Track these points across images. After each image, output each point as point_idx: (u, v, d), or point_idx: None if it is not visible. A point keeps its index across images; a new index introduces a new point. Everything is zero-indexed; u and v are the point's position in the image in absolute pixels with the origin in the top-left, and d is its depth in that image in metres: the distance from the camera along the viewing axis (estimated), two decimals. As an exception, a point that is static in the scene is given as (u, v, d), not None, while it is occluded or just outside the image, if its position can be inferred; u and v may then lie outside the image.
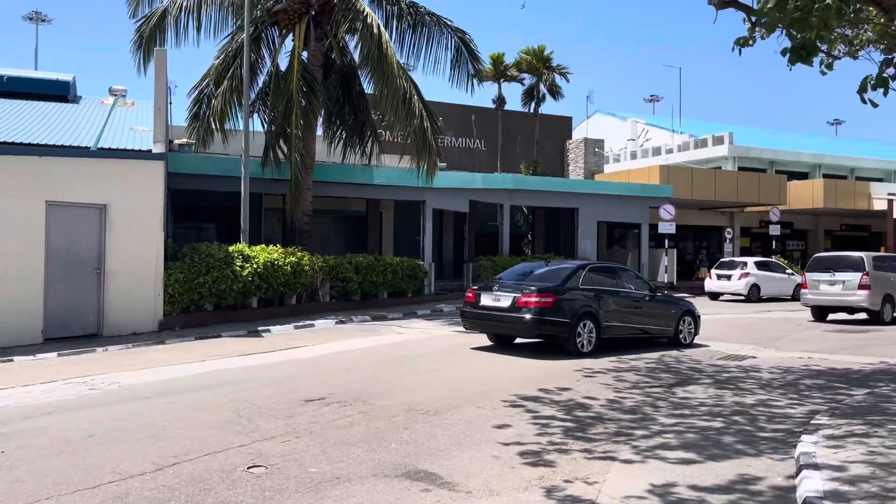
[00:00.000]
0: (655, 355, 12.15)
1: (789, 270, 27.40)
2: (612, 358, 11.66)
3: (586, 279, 12.49)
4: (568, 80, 33.30)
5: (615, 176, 32.19)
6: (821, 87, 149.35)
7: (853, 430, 6.52)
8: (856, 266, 18.28)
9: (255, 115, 20.50)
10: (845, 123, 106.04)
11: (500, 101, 32.22)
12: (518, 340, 13.04)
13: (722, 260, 27.78)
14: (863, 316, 18.76)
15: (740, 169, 36.03)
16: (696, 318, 13.97)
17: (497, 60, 31.54)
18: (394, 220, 26.34)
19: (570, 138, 35.33)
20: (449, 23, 19.23)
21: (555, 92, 32.12)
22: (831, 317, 19.19)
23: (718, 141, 38.62)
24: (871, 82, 7.11)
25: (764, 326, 17.54)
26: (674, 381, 9.86)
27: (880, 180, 39.82)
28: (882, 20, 8.58)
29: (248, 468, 5.71)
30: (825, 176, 38.80)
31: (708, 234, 36.79)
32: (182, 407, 7.91)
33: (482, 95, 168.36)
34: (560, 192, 26.32)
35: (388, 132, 28.71)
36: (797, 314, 20.64)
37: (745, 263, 26.01)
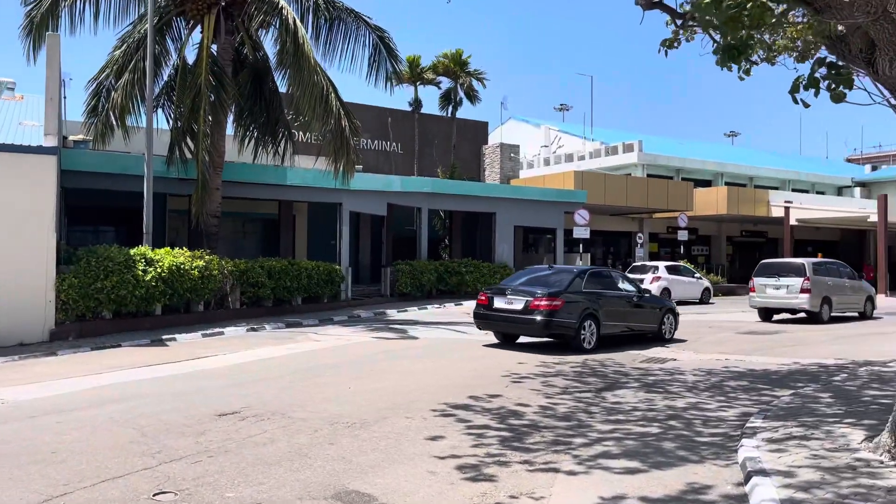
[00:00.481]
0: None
1: (697, 274, 28.27)
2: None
3: (587, 283, 13.68)
4: (485, 85, 33.36)
5: (531, 181, 32.40)
6: (718, 100, 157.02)
7: (790, 432, 6.45)
8: (798, 271, 19.67)
9: (160, 111, 19.33)
10: (741, 135, 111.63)
11: (417, 104, 31.88)
12: (468, 335, 12.65)
13: (634, 264, 28.34)
14: (802, 315, 20.14)
15: (649, 176, 37.03)
16: (675, 316, 15.29)
17: (413, 63, 31.19)
18: (308, 223, 25.51)
19: (487, 143, 35.37)
20: (367, 20, 18.69)
21: (472, 96, 32.06)
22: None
23: (628, 148, 39.62)
24: (803, 82, 7.10)
25: (679, 330, 17.82)
26: (602, 386, 9.70)
27: (776, 188, 41.86)
28: (807, 22, 8.68)
29: (153, 495, 5.03)
30: (727, 184, 40.42)
31: (617, 240, 37.65)
32: (76, 425, 7.05)
33: (399, 98, 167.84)
34: (478, 197, 26.18)
35: (302, 133, 27.90)
36: (707, 317, 21.23)
37: (656, 268, 26.61)
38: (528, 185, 30.01)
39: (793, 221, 35.36)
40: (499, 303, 13.31)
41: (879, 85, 6.62)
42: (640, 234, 32.76)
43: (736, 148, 54.59)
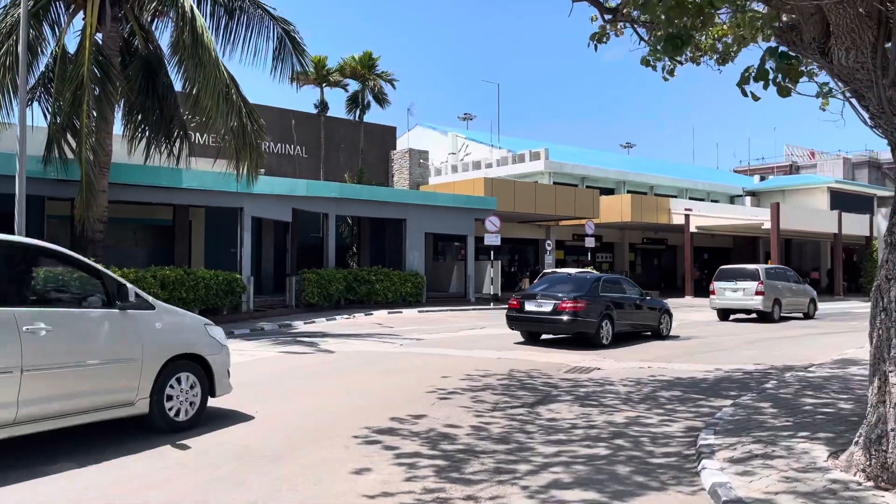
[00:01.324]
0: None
1: (606, 281, 28.41)
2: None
3: (603, 288, 15.62)
4: (395, 87, 32.57)
5: (441, 188, 31.83)
6: (613, 112, 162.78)
7: (750, 449, 5.96)
8: (753, 276, 21.90)
9: (36, 104, 17.42)
10: (636, 146, 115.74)
11: (323, 106, 30.67)
12: (384, 347, 11.70)
13: (545, 272, 28.20)
14: (756, 315, 22.40)
15: (555, 184, 37.28)
16: (670, 316, 17.56)
17: (319, 64, 29.98)
18: (206, 229, 23.90)
19: (395, 148, 34.55)
20: (272, 11, 17.49)
21: (381, 99, 31.15)
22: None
23: (535, 156, 39.82)
24: (752, 74, 6.69)
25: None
26: (534, 400, 9.05)
27: (675, 196, 43.17)
28: (737, 18, 8.36)
29: None
30: (629, 192, 41.34)
31: (525, 247, 37.70)
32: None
33: (303, 100, 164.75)
34: (388, 203, 25.30)
35: (200, 135, 26.24)
36: (619, 323, 21.23)
37: (568, 275, 26.51)
38: (439, 192, 29.40)
39: (693, 229, 36.45)
40: (529, 306, 15.22)
41: (834, 77, 6.27)
42: (548, 242, 32.80)
43: (636, 158, 56.18)
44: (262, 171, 22.12)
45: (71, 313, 6.25)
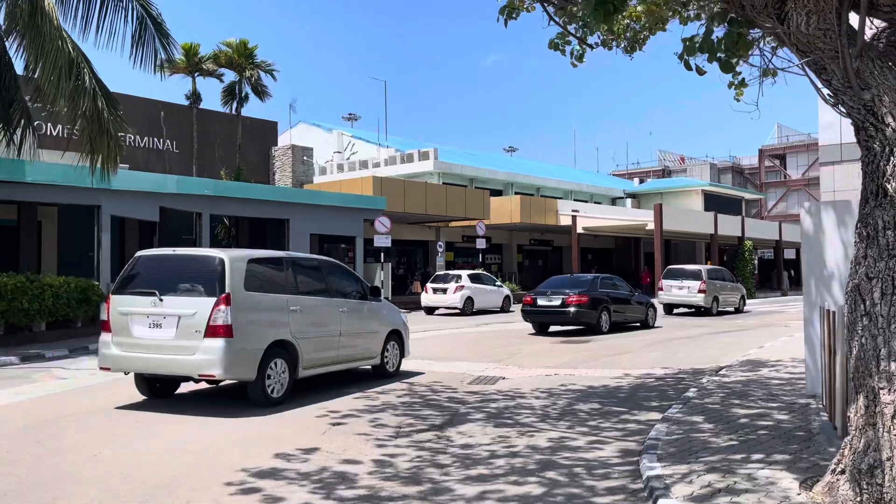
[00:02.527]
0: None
1: (498, 283, 27.85)
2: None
3: (601, 285, 18.38)
4: (275, 79, 30.53)
5: (327, 186, 30.15)
6: (495, 116, 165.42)
7: (708, 481, 5.05)
8: (696, 276, 24.68)
9: None
10: (518, 151, 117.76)
11: (195, 97, 28.20)
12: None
13: (437, 274, 27.30)
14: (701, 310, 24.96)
15: (445, 184, 36.48)
16: (654, 309, 20.12)
17: (191, 51, 27.52)
18: (59, 230, 21.18)
19: (276, 145, 32.51)
20: (130, -16, 15.36)
21: (260, 91, 29.01)
22: (551, 328, 19.40)
23: (424, 156, 38.90)
24: (698, 42, 5.85)
25: (492, 341, 16.75)
26: (442, 421, 7.90)
27: (561, 198, 43.51)
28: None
29: None
30: (517, 193, 41.22)
31: (415, 249, 36.64)
32: None
33: (174, 90, 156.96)
34: (269, 202, 23.39)
35: (52, 126, 23.41)
36: (513, 326, 20.54)
37: (459, 276, 25.71)
38: (325, 191, 27.73)
39: (580, 230, 36.67)
40: (541, 301, 17.83)
41: (790, 48, 5.48)
42: (440, 243, 31.88)
43: (523, 160, 56.49)
44: (127, 165, 19.85)
45: (353, 302, 10.25)
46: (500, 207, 35.00)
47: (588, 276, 19.20)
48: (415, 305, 26.91)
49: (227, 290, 8.01)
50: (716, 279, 25.38)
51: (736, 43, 5.76)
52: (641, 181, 58.21)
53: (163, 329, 8.14)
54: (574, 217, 36.71)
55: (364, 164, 40.91)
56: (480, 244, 31.04)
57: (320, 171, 40.99)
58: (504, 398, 9.29)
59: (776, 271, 45.09)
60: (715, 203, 48.19)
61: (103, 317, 8.65)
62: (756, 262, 44.39)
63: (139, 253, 8.99)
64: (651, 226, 34.26)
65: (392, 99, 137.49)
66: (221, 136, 29.58)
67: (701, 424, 7.10)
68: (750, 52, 6.06)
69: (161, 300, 8.14)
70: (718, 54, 5.87)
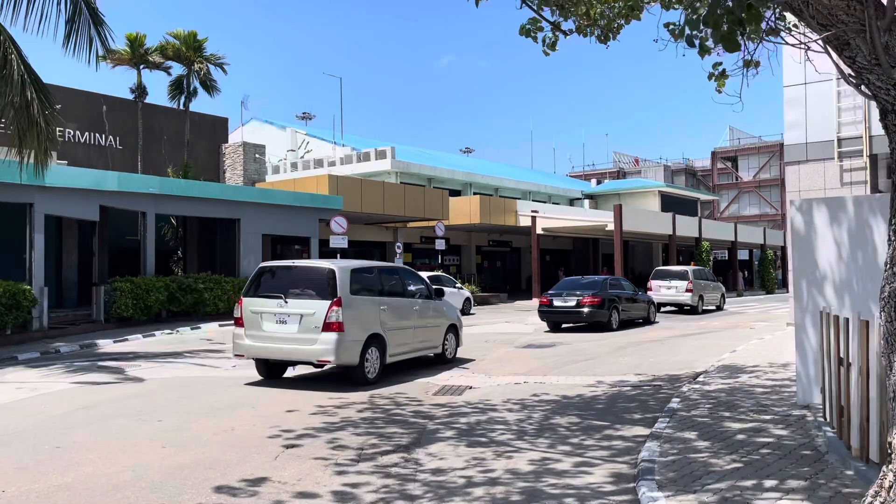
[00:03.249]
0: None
1: (458, 284, 27.14)
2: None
3: (610, 286, 19.83)
4: (226, 72, 29.25)
5: (280, 185, 28.98)
6: (451, 117, 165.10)
7: (723, 516, 4.37)
8: (683, 276, 25.80)
9: None
10: (475, 152, 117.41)
11: (141, 90, 26.77)
12: (215, 371, 9.15)
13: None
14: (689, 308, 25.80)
15: (403, 184, 35.64)
16: (656, 306, 22.13)
17: (136, 42, 26.11)
18: (-12, 231, 19.73)
19: (227, 142, 31.22)
20: (63, -37, 14.16)
21: (209, 86, 27.69)
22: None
23: (381, 155, 37.99)
24: (702, 15, 5.18)
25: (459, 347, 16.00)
26: (409, 440, 7.13)
27: (519, 199, 43.05)
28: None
29: None
30: (475, 193, 40.60)
31: (371, 250, 35.66)
32: None
33: (118, 83, 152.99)
34: (219, 200, 22.22)
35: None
36: (477, 329, 19.79)
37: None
38: (278, 189, 26.62)
39: (539, 230, 36.22)
40: (557, 302, 19.15)
41: (807, 23, 4.86)
42: (398, 245, 30.96)
43: (481, 160, 55.97)
44: (65, 161, 18.56)
45: (422, 301, 12.12)
46: (458, 208, 34.30)
47: (598, 278, 20.68)
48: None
49: (338, 295, 10.00)
50: (700, 279, 26.54)
51: (749, 14, 5.13)
52: (598, 182, 58.25)
53: (287, 325, 10.15)
54: (534, 218, 36.24)
55: (319, 163, 39.78)
56: (440, 245, 30.28)
57: (273, 170, 39.71)
58: (474, 411, 8.56)
59: (731, 272, 45.42)
60: (671, 204, 48.36)
61: (236, 314, 10.58)
62: (712, 263, 44.67)
63: (262, 264, 11.24)
64: (611, 226, 33.97)
65: (348, 98, 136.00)
66: (169, 132, 28.21)
67: (695, 442, 6.47)
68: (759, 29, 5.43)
69: (286, 302, 10.18)
70: (723, 26, 5.24)
